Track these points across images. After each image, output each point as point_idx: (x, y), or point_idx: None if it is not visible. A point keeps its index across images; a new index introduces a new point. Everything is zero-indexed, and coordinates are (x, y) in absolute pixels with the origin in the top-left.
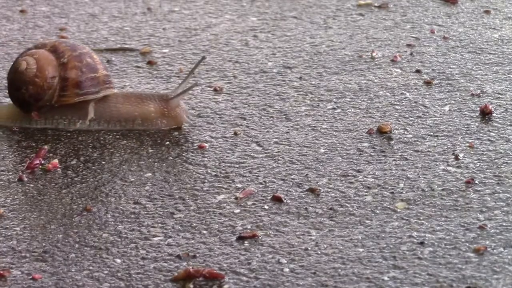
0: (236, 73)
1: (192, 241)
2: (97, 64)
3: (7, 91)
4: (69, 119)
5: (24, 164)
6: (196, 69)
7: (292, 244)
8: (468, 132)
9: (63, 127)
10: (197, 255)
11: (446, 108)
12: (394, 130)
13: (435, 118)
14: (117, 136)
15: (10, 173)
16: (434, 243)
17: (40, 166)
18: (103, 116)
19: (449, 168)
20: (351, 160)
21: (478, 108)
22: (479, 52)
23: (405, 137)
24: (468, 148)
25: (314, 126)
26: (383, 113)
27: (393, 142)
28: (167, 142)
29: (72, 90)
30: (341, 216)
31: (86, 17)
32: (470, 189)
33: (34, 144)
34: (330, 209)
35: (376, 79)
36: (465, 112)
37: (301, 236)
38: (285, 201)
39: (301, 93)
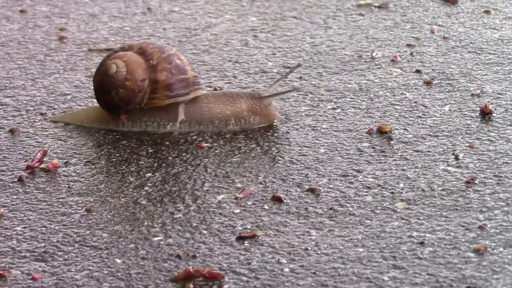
0: (236, 73)
1: (192, 241)
2: (186, 65)
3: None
4: (158, 122)
5: (24, 164)
6: (291, 73)
7: (292, 244)
8: (468, 132)
9: (152, 129)
10: (197, 255)
11: (446, 108)
12: (394, 130)
13: (435, 118)
14: (117, 136)
15: (10, 173)
16: (434, 243)
17: (40, 166)
18: (194, 117)
19: (449, 168)
20: (351, 160)
21: (478, 108)
22: (479, 52)
23: (405, 137)
24: (468, 148)
25: (314, 126)
26: (383, 113)
27: (393, 142)
28: (167, 142)
29: (163, 92)
30: (341, 216)
31: (86, 17)
32: (470, 189)
33: (34, 144)
34: (330, 209)
35: (376, 79)
36: (465, 112)
37: (301, 236)
38: (285, 201)
39: (301, 93)
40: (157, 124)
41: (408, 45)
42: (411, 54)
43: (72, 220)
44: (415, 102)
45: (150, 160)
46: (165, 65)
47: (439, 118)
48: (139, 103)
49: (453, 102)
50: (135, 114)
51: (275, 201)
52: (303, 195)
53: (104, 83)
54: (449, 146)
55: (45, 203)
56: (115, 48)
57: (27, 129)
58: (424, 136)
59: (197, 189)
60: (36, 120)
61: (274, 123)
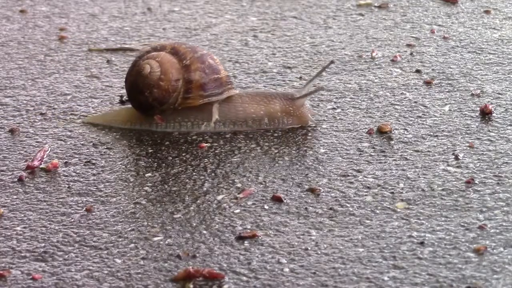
0: (236, 73)
1: (192, 241)
2: (218, 65)
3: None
4: (191, 122)
5: (24, 164)
6: (323, 72)
7: (292, 244)
8: (468, 132)
9: (186, 129)
10: (197, 255)
11: (446, 108)
12: (394, 130)
13: (435, 118)
14: (117, 136)
15: (10, 173)
16: (434, 243)
17: (40, 166)
18: (229, 117)
19: (449, 168)
20: (351, 160)
21: (478, 108)
22: (479, 52)
23: (405, 137)
24: (468, 148)
25: (314, 126)
26: (383, 113)
27: (393, 142)
28: (167, 142)
29: (197, 92)
30: (341, 216)
31: (86, 17)
32: (470, 189)
33: (34, 144)
34: (330, 209)
35: (376, 79)
36: (465, 112)
37: (301, 236)
38: (285, 201)
39: None
40: (191, 124)
41: (408, 45)
42: (411, 54)
43: (72, 220)
44: (415, 102)
45: (150, 160)
46: (199, 65)
47: (439, 118)
48: (173, 103)
49: (453, 102)
50: (168, 114)
51: (275, 201)
52: (303, 195)
53: (138, 84)
54: (449, 146)
55: (45, 203)
56: (146, 48)
57: (27, 129)
58: (424, 136)
59: (197, 189)
60: (36, 120)
61: (307, 125)
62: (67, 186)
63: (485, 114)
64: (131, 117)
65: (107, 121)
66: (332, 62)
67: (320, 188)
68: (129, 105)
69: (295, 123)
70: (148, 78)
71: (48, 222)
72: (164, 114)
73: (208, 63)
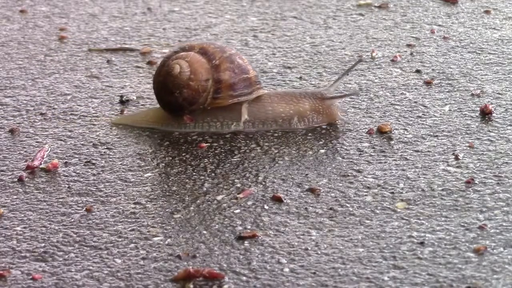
0: None
1: (192, 241)
2: (247, 64)
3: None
4: (221, 122)
5: (24, 164)
6: (352, 70)
7: (292, 244)
8: (468, 132)
9: (215, 130)
10: (197, 255)
11: (446, 108)
12: (394, 130)
13: (435, 118)
14: (117, 136)
15: (10, 173)
16: (434, 243)
17: (40, 166)
18: (258, 117)
19: (449, 168)
20: (351, 160)
21: (478, 108)
22: (479, 52)
23: (405, 137)
24: (468, 148)
25: (314, 126)
26: (383, 113)
27: (393, 142)
28: (167, 142)
29: (226, 92)
30: (341, 216)
31: (86, 17)
32: (470, 189)
33: (34, 144)
34: (330, 209)
35: (376, 79)
36: (465, 112)
37: (301, 236)
38: (285, 201)
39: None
40: (220, 124)
41: (408, 45)
42: (411, 54)
43: (72, 220)
44: (415, 102)
45: (150, 160)
46: (228, 65)
47: (439, 118)
48: (202, 103)
49: (453, 102)
50: (197, 114)
51: (275, 201)
52: (303, 195)
53: (167, 84)
54: (449, 146)
55: (45, 203)
56: (174, 49)
57: (27, 129)
58: (424, 136)
59: (197, 189)
60: (36, 120)
61: (336, 123)
62: (67, 186)
63: (485, 114)
64: (160, 117)
65: (135, 121)
66: (360, 60)
67: (320, 188)
68: (157, 105)
69: (324, 121)
70: (178, 78)
71: (48, 222)
72: (193, 114)
73: (237, 63)
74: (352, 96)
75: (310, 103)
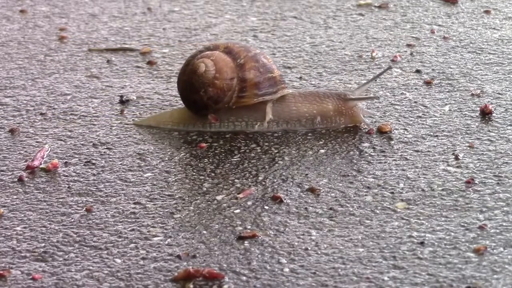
0: None
1: (192, 241)
2: (272, 64)
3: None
4: (245, 121)
5: (24, 164)
6: (380, 76)
7: (292, 244)
8: (468, 132)
9: (240, 129)
10: (197, 255)
11: (446, 108)
12: (394, 130)
13: (435, 118)
14: (117, 136)
15: (10, 173)
16: (434, 243)
17: (40, 166)
18: (282, 117)
19: (449, 168)
20: (351, 160)
21: (478, 108)
22: (479, 52)
23: (405, 137)
24: (468, 148)
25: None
26: (383, 113)
27: (393, 142)
28: (167, 142)
29: (251, 91)
30: (341, 216)
31: (86, 17)
32: (470, 189)
33: (34, 144)
34: (330, 209)
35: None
36: (465, 112)
37: (301, 236)
38: (285, 201)
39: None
40: (245, 124)
41: (408, 45)
42: (411, 54)
43: (72, 220)
44: (415, 102)
45: (150, 160)
46: (253, 64)
47: (439, 118)
48: (227, 102)
49: (453, 102)
50: (222, 114)
51: (275, 201)
52: (303, 195)
53: (193, 83)
54: (449, 146)
55: (45, 203)
56: (199, 48)
57: (27, 129)
58: (424, 136)
59: (197, 189)
60: (36, 120)
61: (359, 125)
62: (67, 186)
63: (485, 114)
64: (184, 117)
65: (159, 122)
66: (390, 67)
67: (320, 188)
68: (181, 105)
69: (347, 122)
70: (203, 77)
71: (48, 222)
72: (218, 114)
73: (262, 62)
74: (373, 100)
75: (334, 104)
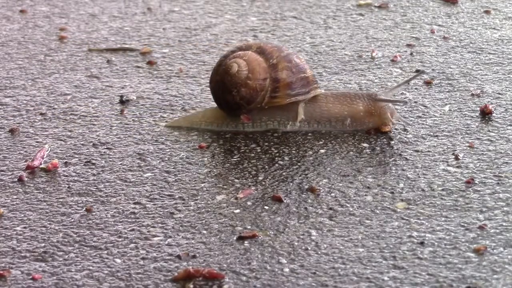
0: None
1: (192, 241)
2: (304, 64)
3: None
4: (278, 121)
5: (24, 164)
6: (414, 79)
7: (292, 244)
8: (468, 132)
9: (272, 127)
10: (197, 255)
11: (446, 108)
12: (394, 130)
13: (435, 118)
14: (117, 136)
15: (10, 173)
16: (434, 243)
17: (40, 166)
18: (314, 117)
19: (449, 168)
20: (351, 160)
21: (478, 108)
22: (479, 52)
23: (405, 137)
24: (468, 148)
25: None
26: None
27: (393, 142)
28: (167, 142)
29: (284, 91)
30: (341, 216)
31: (86, 17)
32: (470, 189)
33: (34, 144)
34: (330, 209)
35: (376, 79)
36: (465, 112)
37: (301, 236)
38: (285, 201)
39: None
40: (277, 123)
41: (408, 45)
42: (411, 54)
43: (72, 220)
44: (415, 102)
45: (150, 160)
46: (286, 64)
47: (439, 118)
48: (260, 102)
49: (453, 102)
50: (254, 114)
51: (275, 201)
52: (303, 195)
53: (225, 83)
54: (449, 146)
55: (45, 203)
56: (231, 48)
57: (27, 129)
58: (424, 136)
59: (197, 189)
60: (36, 120)
61: (387, 127)
62: (67, 186)
63: (485, 114)
64: (217, 117)
65: (192, 123)
66: (422, 72)
67: (320, 188)
68: (214, 105)
69: (376, 123)
70: (236, 77)
71: (48, 222)
72: (251, 114)
73: (294, 62)
74: (400, 104)
75: (364, 105)
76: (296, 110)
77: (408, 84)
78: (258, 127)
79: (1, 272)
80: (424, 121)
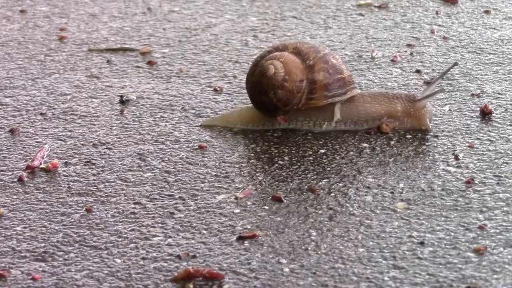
0: (236, 73)
1: (192, 241)
2: (341, 64)
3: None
4: (313, 121)
5: (24, 164)
6: (447, 73)
7: (292, 244)
8: (468, 132)
9: (307, 128)
10: (197, 255)
11: (446, 108)
12: (394, 130)
13: (435, 118)
14: (117, 136)
15: (10, 173)
16: (434, 243)
17: (40, 166)
18: (350, 117)
19: (449, 168)
20: (351, 160)
21: (478, 108)
22: (479, 52)
23: (405, 137)
24: (468, 148)
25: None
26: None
27: (393, 142)
28: (167, 142)
29: (321, 92)
30: (341, 216)
31: (86, 17)
32: (470, 189)
33: (34, 144)
34: (330, 209)
35: (376, 79)
36: (465, 112)
37: (301, 236)
38: (285, 201)
39: None
40: (313, 124)
41: (408, 45)
42: (411, 54)
43: (72, 220)
44: None
45: (150, 159)
46: (322, 65)
47: (439, 118)
48: (296, 104)
49: (453, 102)
50: (291, 114)
51: (275, 201)
52: (303, 195)
53: (262, 84)
54: (449, 146)
55: (45, 203)
56: (267, 48)
57: (27, 129)
58: (424, 136)
59: (197, 189)
60: (36, 120)
61: (424, 128)
62: (67, 186)
63: (485, 114)
64: (253, 117)
65: (228, 122)
66: (456, 64)
67: (320, 188)
68: (250, 105)
69: (414, 124)
70: (273, 79)
71: (48, 222)
72: (287, 115)
73: (331, 63)
74: (439, 94)
75: (402, 105)
76: (332, 110)
77: (443, 78)
78: (294, 125)
79: (1, 272)
80: None
